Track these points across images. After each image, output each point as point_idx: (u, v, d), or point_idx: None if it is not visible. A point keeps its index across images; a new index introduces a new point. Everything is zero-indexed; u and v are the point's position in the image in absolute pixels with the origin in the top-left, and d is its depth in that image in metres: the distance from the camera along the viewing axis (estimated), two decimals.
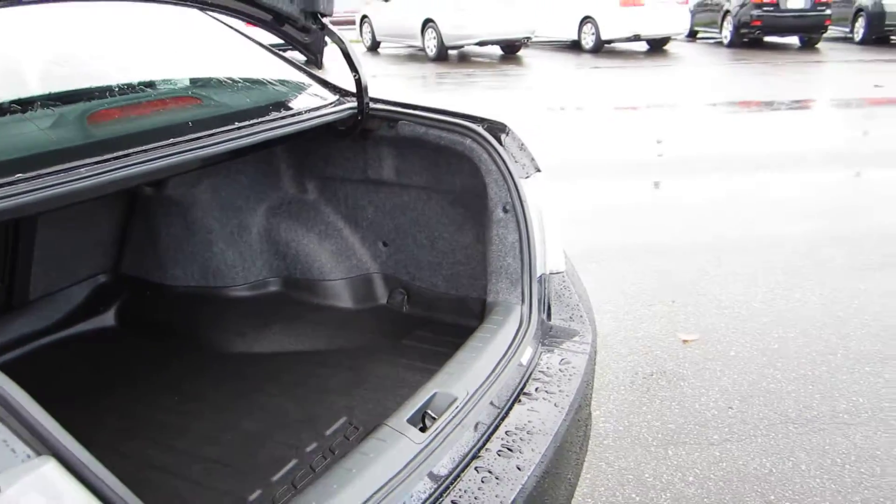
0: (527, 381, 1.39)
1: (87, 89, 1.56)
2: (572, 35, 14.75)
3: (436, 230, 1.97)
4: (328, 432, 1.57)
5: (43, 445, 0.72)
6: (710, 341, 3.08)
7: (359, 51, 16.20)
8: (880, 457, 2.31)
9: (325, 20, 1.74)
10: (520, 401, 1.33)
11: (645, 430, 2.50)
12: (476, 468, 1.15)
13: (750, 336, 3.11)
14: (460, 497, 1.09)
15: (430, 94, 11.26)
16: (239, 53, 2.00)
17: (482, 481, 1.13)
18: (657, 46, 14.85)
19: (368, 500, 1.02)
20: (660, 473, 2.27)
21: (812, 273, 3.75)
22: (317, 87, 1.93)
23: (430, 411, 1.22)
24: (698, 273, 3.81)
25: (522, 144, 1.74)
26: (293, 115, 1.68)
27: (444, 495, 1.09)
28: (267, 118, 1.60)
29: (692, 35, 16.34)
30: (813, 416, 2.54)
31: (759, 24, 14.02)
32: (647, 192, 5.47)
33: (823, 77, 11.88)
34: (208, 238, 2.14)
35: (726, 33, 14.79)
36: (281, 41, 1.83)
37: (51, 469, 0.71)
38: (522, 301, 1.57)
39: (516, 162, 1.68)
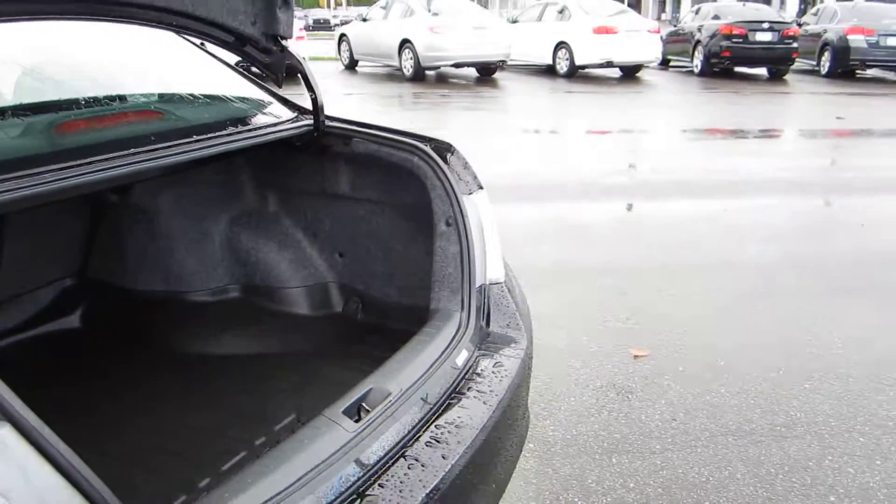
0: (461, 381, 1.48)
1: (55, 101, 1.64)
2: (547, 59, 15.04)
3: (389, 242, 2.06)
4: (277, 427, 1.66)
5: None
6: (659, 357, 3.20)
7: (336, 68, 16.39)
8: (812, 467, 2.42)
9: (285, 42, 1.83)
10: (452, 398, 1.43)
11: (591, 439, 2.59)
12: (404, 456, 1.24)
13: (699, 353, 3.23)
14: (387, 481, 1.18)
15: (405, 112, 11.41)
16: (205, 71, 2.09)
17: (408, 468, 1.21)
18: (630, 73, 15.18)
19: (299, 480, 1.10)
20: (602, 479, 2.36)
21: (766, 296, 3.89)
22: (277, 105, 2.02)
23: (364, 404, 1.31)
24: (655, 293, 3.94)
25: (466, 163, 1.84)
26: (249, 130, 1.78)
27: (372, 479, 1.17)
28: (223, 132, 1.69)
29: (665, 63, 16.73)
30: (752, 428, 2.65)
31: (728, 54, 14.41)
32: (612, 214, 5.61)
33: (790, 108, 12.24)
34: (171, 245, 2.21)
35: (697, 63, 15.18)
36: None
37: (6, 433, 0.78)
38: (462, 308, 1.67)
39: (460, 179, 1.78)
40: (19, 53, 1.74)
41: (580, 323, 3.56)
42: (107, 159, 1.39)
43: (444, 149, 1.82)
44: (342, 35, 16.64)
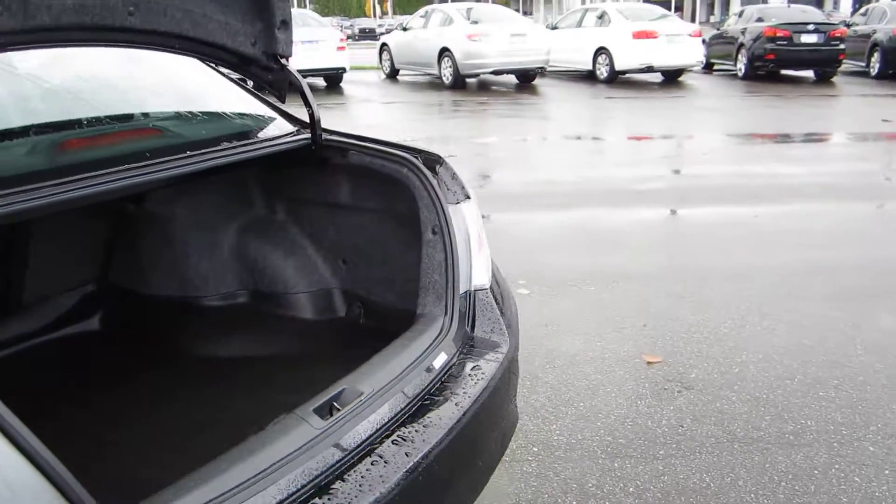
0: (436, 382, 1.54)
1: (60, 122, 1.77)
2: (587, 65, 14.99)
3: (388, 250, 2.13)
4: (269, 426, 1.74)
5: None
6: (672, 364, 3.20)
7: (378, 77, 16.62)
8: (816, 476, 2.41)
9: (284, 61, 1.92)
10: (425, 399, 1.49)
11: (595, 443, 2.62)
12: (369, 453, 1.31)
13: (712, 360, 3.22)
14: (349, 476, 1.24)
15: (445, 120, 11.52)
16: (212, 88, 2.20)
17: (371, 464, 1.28)
18: (671, 78, 15.03)
19: (261, 472, 1.18)
20: (602, 484, 2.39)
21: (790, 303, 3.85)
22: (280, 121, 2.12)
23: (336, 403, 1.38)
24: (674, 299, 3.93)
25: (454, 174, 1.91)
26: (246, 145, 1.88)
27: (334, 474, 1.24)
28: (218, 147, 1.79)
29: (708, 67, 16.51)
30: (759, 436, 2.64)
31: (772, 57, 14.15)
32: (643, 220, 5.59)
33: (836, 111, 11.95)
34: (184, 252, 2.33)
35: (741, 66, 14.93)
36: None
37: None
38: (445, 313, 1.73)
39: (448, 190, 1.85)
40: (28, 74, 1.87)
41: (596, 329, 3.58)
42: (101, 175, 1.50)
43: (433, 160, 1.90)
44: (383, 44, 16.86)
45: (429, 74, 15.37)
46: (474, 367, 1.63)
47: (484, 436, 1.61)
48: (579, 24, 15.67)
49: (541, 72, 14.86)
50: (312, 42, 14.22)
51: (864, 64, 14.92)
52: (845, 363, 3.17)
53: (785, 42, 14.01)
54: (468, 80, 14.49)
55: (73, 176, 1.48)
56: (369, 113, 12.81)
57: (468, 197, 1.89)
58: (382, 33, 30.39)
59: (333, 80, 15.16)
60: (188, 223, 2.33)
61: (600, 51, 14.49)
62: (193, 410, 1.87)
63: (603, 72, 14.56)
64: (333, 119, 11.83)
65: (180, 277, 2.35)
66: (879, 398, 2.89)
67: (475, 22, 14.34)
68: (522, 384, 3.03)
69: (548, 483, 2.40)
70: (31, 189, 1.41)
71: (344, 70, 14.92)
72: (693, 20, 28.52)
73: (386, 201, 2.04)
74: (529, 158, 8.44)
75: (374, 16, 64.08)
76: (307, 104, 1.99)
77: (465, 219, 1.83)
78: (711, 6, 48.66)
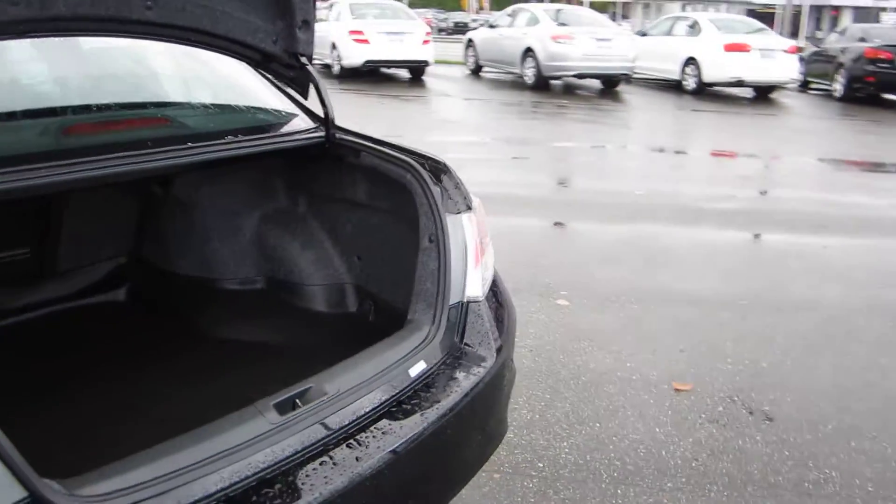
0: (408, 391, 1.54)
1: (69, 106, 1.87)
2: (674, 75, 14.59)
3: (399, 251, 2.14)
4: (228, 415, 1.78)
5: None
6: (702, 394, 3.10)
7: (461, 73, 16.64)
8: None
9: (304, 59, 1.95)
10: (393, 406, 1.49)
11: (603, 467, 2.56)
12: (319, 453, 1.32)
13: (744, 395, 3.10)
14: (293, 473, 1.26)
15: (521, 120, 11.47)
16: (234, 81, 2.25)
17: (320, 464, 1.29)
18: (763, 94, 14.47)
19: (206, 459, 1.21)
20: None
21: (838, 343, 3.67)
22: (300, 117, 2.15)
23: (298, 400, 1.40)
24: (718, 326, 3.80)
25: (458, 183, 1.90)
26: (252, 140, 1.92)
27: (278, 469, 1.26)
28: (221, 141, 1.83)
29: (805, 86, 15.79)
30: (777, 481, 2.53)
31: (872, 80, 13.42)
32: (703, 241, 5.42)
33: None
34: (207, 235, 2.41)
35: (838, 86, 14.22)
36: None
37: None
38: (433, 322, 1.72)
39: (450, 199, 1.85)
40: (53, 60, 1.96)
41: (629, 349, 3.49)
42: (102, 159, 1.56)
43: (438, 168, 1.89)
44: (469, 40, 16.87)
45: (511, 73, 15.29)
46: (451, 378, 1.62)
47: (452, 449, 1.59)
48: (669, 33, 15.28)
49: (625, 78, 14.56)
50: (398, 34, 14.38)
51: None
52: (888, 415, 2.99)
53: (887, 65, 13.24)
54: (551, 81, 14.33)
55: (72, 159, 1.54)
56: (447, 107, 12.86)
57: (470, 207, 1.88)
58: (476, 28, 30.45)
59: (416, 72, 15.29)
60: (212, 208, 2.41)
61: (689, 61, 14.08)
62: (187, 387, 1.93)
63: (690, 83, 14.15)
64: (410, 112, 11.98)
65: (202, 259, 2.44)
66: None
67: (562, 24, 14.18)
68: (541, 398, 3.01)
69: (545, 502, 2.37)
70: (28, 170, 1.47)
71: (426, 63, 15.01)
72: (795, 35, 27.35)
73: (396, 204, 2.06)
74: (604, 167, 8.29)
75: (471, 11, 64.18)
76: (322, 103, 2.02)
77: (463, 229, 1.83)
78: (818, 21, 46.63)
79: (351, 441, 1.37)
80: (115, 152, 1.60)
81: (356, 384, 1.48)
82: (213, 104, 2.11)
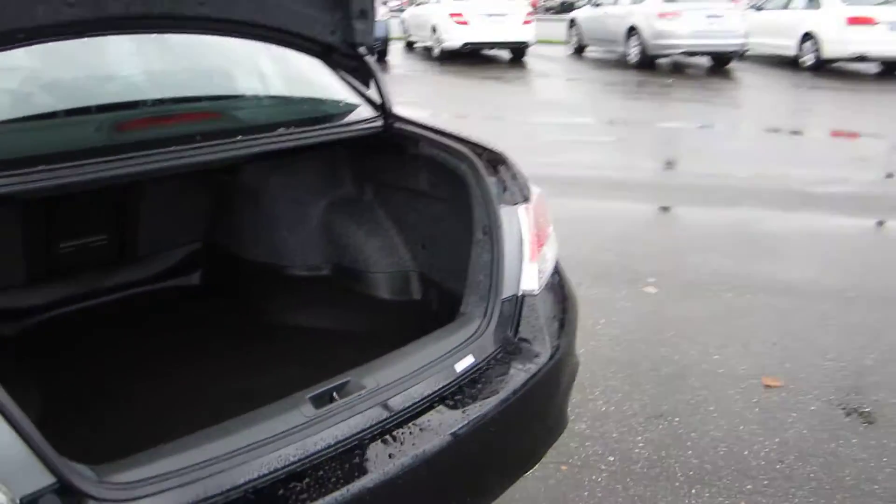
0: (453, 386, 1.50)
1: (124, 102, 1.95)
2: (791, 51, 13.70)
3: (461, 242, 2.10)
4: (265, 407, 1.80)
5: None
6: (794, 391, 2.90)
7: (564, 52, 16.30)
8: None
9: (363, 50, 1.93)
10: (435, 401, 1.45)
11: (679, 464, 2.45)
12: (353, 448, 1.30)
13: (842, 393, 2.89)
14: (323, 466, 1.25)
15: (623, 101, 11.13)
16: (306, 74, 2.26)
17: (352, 460, 1.28)
18: (891, 69, 13.40)
19: (238, 450, 1.21)
20: None
21: None
22: (364, 107, 2.13)
23: (335, 394, 1.38)
24: (817, 319, 3.56)
25: (515, 175, 1.85)
26: (304, 131, 1.91)
27: (309, 462, 1.25)
28: (272, 133, 1.83)
29: None
30: (871, 489, 2.34)
31: None
32: (808, 227, 5.07)
33: None
34: (276, 223, 2.47)
35: None
36: None
37: None
38: (484, 315, 1.68)
39: (506, 190, 1.79)
40: (115, 56, 2.03)
41: (718, 340, 3.32)
42: (146, 155, 1.60)
43: (495, 159, 1.84)
44: (572, 20, 16.49)
45: (615, 52, 14.83)
46: (502, 374, 1.57)
47: (498, 447, 1.55)
48: (786, 6, 14.35)
49: (737, 56, 13.82)
50: (499, 15, 14.23)
51: None
52: None
53: None
54: (657, 60, 13.81)
55: (123, 154, 1.59)
56: (548, 88, 12.64)
57: (527, 199, 1.81)
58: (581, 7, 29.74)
59: (517, 52, 15.10)
60: (281, 197, 2.46)
61: (807, 36, 13.20)
62: (246, 376, 1.96)
63: (808, 59, 13.26)
64: (510, 93, 11.85)
65: (272, 246, 2.49)
66: None
67: (669, 0, 13.60)
68: (618, 389, 2.92)
69: (613, 498, 2.29)
70: (79, 165, 1.53)
71: (527, 44, 14.80)
72: None
73: (454, 194, 2.02)
74: (710, 149, 7.90)
75: None
76: (380, 94, 2.00)
77: (520, 221, 1.77)
78: None
79: (386, 437, 1.35)
80: (164, 147, 1.64)
81: (397, 378, 1.45)
82: (270, 96, 2.15)
